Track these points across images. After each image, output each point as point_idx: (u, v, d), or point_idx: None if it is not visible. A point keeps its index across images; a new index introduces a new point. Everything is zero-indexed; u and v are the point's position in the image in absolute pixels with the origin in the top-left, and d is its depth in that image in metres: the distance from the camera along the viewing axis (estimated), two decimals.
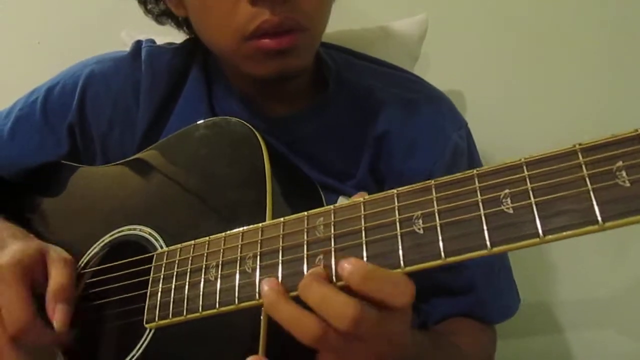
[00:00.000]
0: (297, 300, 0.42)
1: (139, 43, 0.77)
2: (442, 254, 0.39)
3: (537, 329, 1.04)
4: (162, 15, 0.75)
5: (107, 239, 0.61)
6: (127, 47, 0.78)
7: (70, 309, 0.54)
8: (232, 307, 0.47)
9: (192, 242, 0.52)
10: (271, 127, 0.68)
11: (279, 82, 0.64)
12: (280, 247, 0.46)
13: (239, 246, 0.48)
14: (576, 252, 1.01)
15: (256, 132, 0.56)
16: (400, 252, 0.40)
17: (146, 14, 0.76)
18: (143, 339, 0.53)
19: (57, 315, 0.53)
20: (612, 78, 1.02)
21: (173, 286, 0.51)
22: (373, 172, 0.69)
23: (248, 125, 0.57)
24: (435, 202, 0.40)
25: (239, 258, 0.48)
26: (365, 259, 0.42)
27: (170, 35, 0.81)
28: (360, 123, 0.70)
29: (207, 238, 0.51)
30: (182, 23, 0.76)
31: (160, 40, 0.79)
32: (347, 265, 0.40)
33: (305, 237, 0.45)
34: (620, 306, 1.01)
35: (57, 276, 0.55)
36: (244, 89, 0.71)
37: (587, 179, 0.35)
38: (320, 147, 0.69)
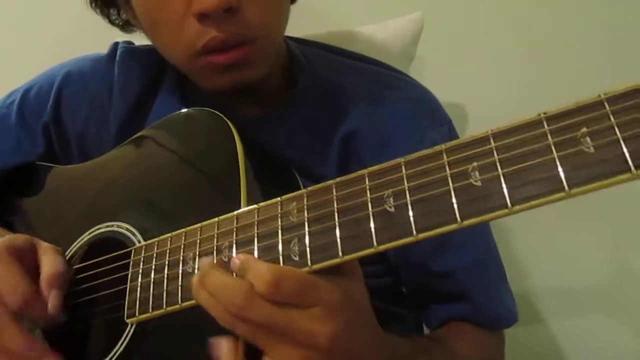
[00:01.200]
0: None
1: (116, 44, 0.77)
2: (414, 230, 0.39)
3: (528, 324, 1.03)
4: (127, 25, 0.74)
5: (85, 237, 0.61)
6: None
7: (63, 295, 0.54)
8: None
9: (169, 234, 0.52)
10: (244, 129, 0.68)
11: (239, 91, 0.63)
12: (256, 234, 0.46)
13: (215, 236, 0.48)
14: (568, 246, 1.01)
15: (228, 121, 0.56)
16: (373, 231, 0.40)
17: (111, 24, 0.74)
18: (125, 334, 0.52)
19: (52, 299, 0.52)
20: (613, 79, 1.01)
21: (152, 280, 0.51)
22: (343, 172, 0.68)
23: (220, 114, 0.57)
24: (405, 180, 0.40)
25: (215, 248, 0.48)
26: (338, 240, 0.41)
27: None
28: (330, 122, 0.68)
29: (183, 230, 0.51)
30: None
31: (133, 42, 0.79)
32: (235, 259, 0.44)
33: (280, 223, 0.45)
34: (611, 301, 1.00)
35: (50, 263, 0.54)
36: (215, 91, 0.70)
37: (553, 147, 0.35)
38: (290, 148, 0.68)
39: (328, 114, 0.69)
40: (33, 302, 0.51)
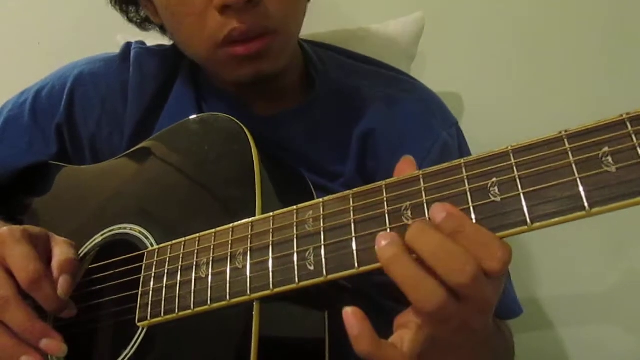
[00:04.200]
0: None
1: (128, 45, 0.77)
2: None
3: (529, 325, 1.03)
4: (145, 22, 0.75)
5: (98, 238, 0.61)
6: None
7: (73, 282, 0.54)
8: (224, 303, 0.47)
9: (183, 239, 0.52)
10: (259, 127, 0.68)
11: (259, 84, 0.64)
12: (270, 242, 0.46)
13: (229, 242, 0.48)
14: (570, 247, 1.00)
15: (244, 128, 0.56)
16: None
17: (129, 22, 0.76)
18: (136, 337, 0.52)
19: (62, 283, 0.53)
20: (612, 78, 1.01)
21: (164, 284, 0.51)
22: (361, 170, 0.69)
23: (236, 120, 0.57)
24: (423, 193, 0.40)
25: (229, 254, 0.48)
26: (355, 252, 0.41)
27: (163, 37, 0.80)
28: (347, 121, 0.70)
29: (197, 235, 0.51)
30: (166, 29, 0.76)
31: (153, 44, 0.79)
32: (441, 210, 0.37)
33: (295, 232, 0.45)
34: (614, 302, 1.00)
35: (62, 252, 0.55)
36: (231, 89, 0.71)
37: (574, 166, 0.35)
38: (308, 146, 0.69)
39: (345, 113, 0.70)
40: (42, 281, 0.51)
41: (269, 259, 0.46)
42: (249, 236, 0.47)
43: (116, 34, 0.99)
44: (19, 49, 1.17)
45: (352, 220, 0.43)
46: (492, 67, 1.07)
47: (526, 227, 0.36)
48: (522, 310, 0.70)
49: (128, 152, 0.67)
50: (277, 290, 0.45)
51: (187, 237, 0.52)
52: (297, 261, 0.44)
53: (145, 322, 0.52)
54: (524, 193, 0.36)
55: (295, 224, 0.45)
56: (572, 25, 1.04)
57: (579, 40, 1.03)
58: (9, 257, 0.51)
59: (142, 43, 0.78)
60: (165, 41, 0.79)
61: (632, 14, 1.01)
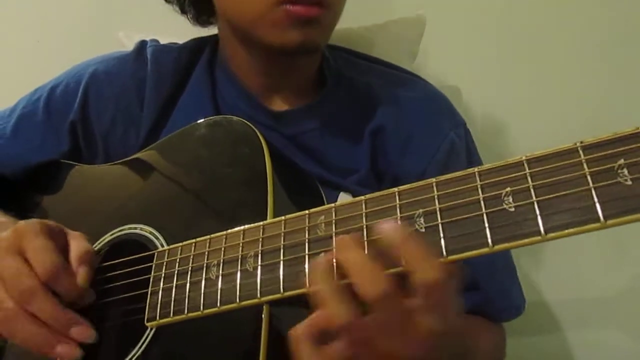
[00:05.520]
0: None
1: (143, 42, 0.78)
2: (444, 252, 0.39)
3: (535, 328, 1.04)
4: None
5: (108, 237, 0.61)
6: (124, 48, 0.79)
7: (91, 273, 0.54)
8: (233, 305, 0.47)
9: (193, 240, 0.52)
10: (274, 122, 0.70)
11: (299, 54, 0.66)
12: (282, 246, 0.46)
13: (240, 244, 0.49)
14: (575, 251, 1.01)
15: (257, 131, 0.56)
16: None
17: None
18: (144, 337, 0.53)
19: (81, 273, 0.53)
20: (611, 76, 1.02)
21: (174, 285, 0.51)
22: (373, 167, 0.70)
23: (249, 124, 0.57)
24: (436, 201, 0.40)
25: (240, 257, 0.48)
26: None
27: (166, 34, 0.81)
28: (359, 119, 0.71)
29: (208, 237, 0.51)
30: (188, 7, 0.76)
31: (159, 41, 0.80)
32: (386, 226, 0.39)
33: (307, 236, 0.45)
34: (618, 305, 1.01)
35: (80, 244, 0.55)
36: (248, 83, 0.72)
37: (589, 177, 0.35)
38: (322, 142, 0.70)
39: (356, 110, 0.72)
40: (62, 273, 0.52)
41: (280, 262, 0.46)
42: (260, 239, 0.48)
43: (117, 31, 1.00)
44: (18, 47, 1.18)
45: (365, 226, 0.43)
46: (493, 66, 1.08)
47: (540, 237, 0.36)
48: (518, 313, 0.71)
49: (139, 153, 0.67)
50: (287, 293, 0.45)
51: (198, 239, 0.52)
52: (309, 265, 0.44)
53: (154, 322, 0.52)
54: (538, 203, 0.36)
55: (307, 228, 0.45)
56: (573, 23, 1.05)
57: (579, 38, 1.04)
58: (28, 250, 0.51)
59: (156, 41, 0.79)
60: (171, 38, 0.80)
61: (633, 12, 1.01)
